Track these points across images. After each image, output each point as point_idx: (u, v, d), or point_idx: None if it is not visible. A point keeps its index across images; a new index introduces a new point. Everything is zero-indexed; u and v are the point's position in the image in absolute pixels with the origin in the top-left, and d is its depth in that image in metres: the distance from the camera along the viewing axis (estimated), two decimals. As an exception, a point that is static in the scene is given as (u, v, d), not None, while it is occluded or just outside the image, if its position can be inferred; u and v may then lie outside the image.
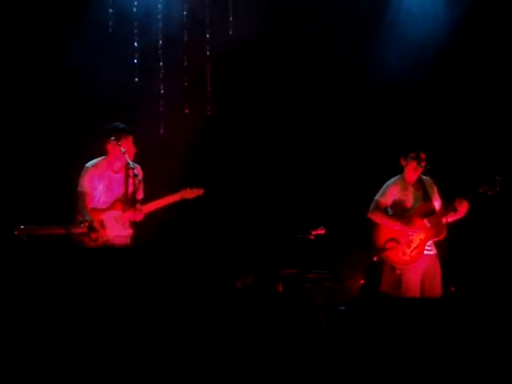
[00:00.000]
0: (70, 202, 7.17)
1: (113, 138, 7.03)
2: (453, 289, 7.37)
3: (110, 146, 7.07)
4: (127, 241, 7.06)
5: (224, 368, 5.39)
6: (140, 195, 7.12)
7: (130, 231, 7.10)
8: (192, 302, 5.94)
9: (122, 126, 7.12)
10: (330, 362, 5.54)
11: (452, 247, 7.48)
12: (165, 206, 7.22)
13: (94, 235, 6.78)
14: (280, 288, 7.55)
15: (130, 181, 6.99)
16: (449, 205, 7.15)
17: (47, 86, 8.42)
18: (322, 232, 7.94)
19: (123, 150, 6.94)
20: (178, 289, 5.88)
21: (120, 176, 7.08)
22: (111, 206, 7.06)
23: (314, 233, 7.94)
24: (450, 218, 7.22)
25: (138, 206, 7.01)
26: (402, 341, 5.44)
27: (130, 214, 7.00)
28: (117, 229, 7.04)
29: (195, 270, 6.21)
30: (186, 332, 5.63)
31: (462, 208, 7.15)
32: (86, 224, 6.76)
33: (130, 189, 7.01)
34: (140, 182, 6.99)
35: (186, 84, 8.90)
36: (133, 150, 7.10)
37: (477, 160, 8.39)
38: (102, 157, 7.16)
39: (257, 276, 7.42)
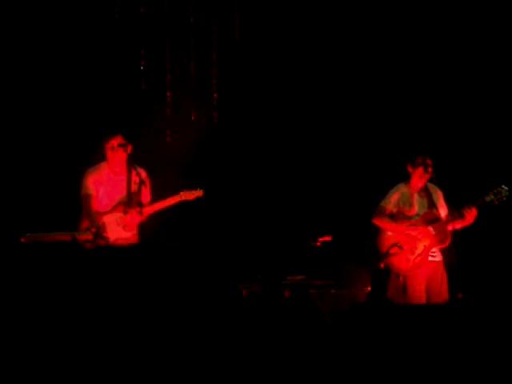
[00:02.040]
0: (75, 208, 7.20)
1: (105, 141, 7.08)
2: (460, 295, 7.35)
3: (106, 150, 7.12)
4: (129, 243, 7.07)
5: (229, 372, 5.39)
6: (146, 198, 7.14)
7: (131, 233, 7.11)
8: (197, 307, 5.93)
9: (112, 127, 7.22)
10: (335, 368, 5.53)
11: (459, 254, 7.46)
12: (166, 207, 7.25)
13: (100, 242, 6.79)
14: (286, 294, 7.54)
15: (132, 181, 7.06)
16: (457, 211, 7.14)
17: (53, 92, 8.43)
18: (329, 239, 7.95)
19: (113, 147, 7.02)
20: (182, 294, 5.88)
21: (122, 178, 7.12)
22: (113, 209, 7.09)
23: (320, 239, 7.95)
24: (457, 225, 7.21)
25: (138, 208, 7.02)
26: (407, 347, 5.42)
27: (130, 216, 7.03)
28: (118, 231, 7.06)
29: (201, 274, 6.21)
30: (190, 337, 5.62)
31: (471, 215, 7.12)
32: (93, 230, 6.79)
33: (132, 190, 7.06)
34: (144, 184, 7.02)
35: (192, 91, 8.90)
36: (121, 147, 7.12)
37: (484, 168, 8.36)
38: (104, 162, 7.20)
39: (263, 282, 7.43)
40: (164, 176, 7.80)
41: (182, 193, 7.27)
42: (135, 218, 7.04)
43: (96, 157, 7.31)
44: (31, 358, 5.19)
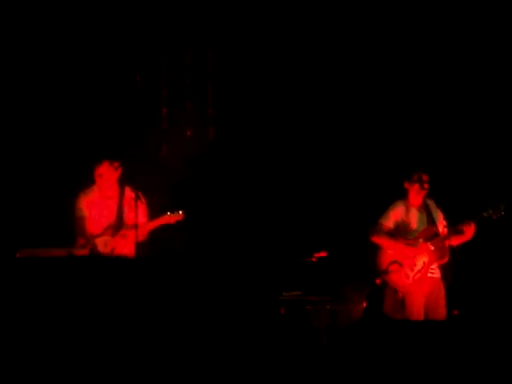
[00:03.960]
0: (69, 224, 7.19)
1: (93, 169, 7.11)
2: (456, 312, 7.35)
3: (95, 177, 7.15)
4: None
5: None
6: (141, 219, 7.11)
7: (127, 251, 7.10)
8: (191, 322, 5.93)
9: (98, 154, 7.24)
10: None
11: (456, 271, 7.46)
12: (151, 229, 7.24)
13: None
14: (282, 310, 7.53)
15: (125, 204, 7.07)
16: (455, 227, 7.17)
17: (49, 110, 8.42)
18: (325, 255, 7.94)
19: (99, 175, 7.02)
20: (177, 309, 5.87)
21: (113, 202, 7.14)
22: (102, 232, 7.09)
23: (316, 255, 7.94)
24: (456, 242, 7.25)
25: (124, 231, 7.04)
26: (404, 363, 5.42)
27: (117, 239, 7.04)
28: (107, 253, 7.06)
29: (195, 289, 6.20)
30: (183, 352, 5.61)
31: (469, 231, 7.16)
32: (89, 247, 6.82)
33: (125, 212, 7.08)
34: (139, 200, 7.01)
35: (188, 107, 8.91)
36: (112, 173, 7.13)
37: (481, 184, 8.38)
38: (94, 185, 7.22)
39: (258, 298, 7.42)
40: (159, 193, 7.80)
41: (163, 216, 7.25)
42: (121, 241, 7.05)
43: (90, 176, 7.30)
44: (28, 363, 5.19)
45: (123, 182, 7.14)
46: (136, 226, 6.86)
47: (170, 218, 7.22)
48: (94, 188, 7.20)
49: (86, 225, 7.08)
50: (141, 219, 7.07)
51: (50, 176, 8.34)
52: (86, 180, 7.27)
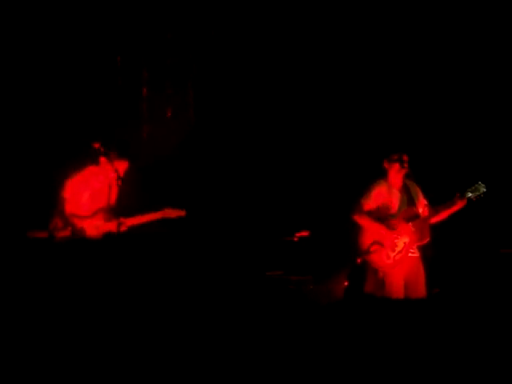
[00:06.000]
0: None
1: (107, 156, 7.06)
2: (436, 290, 7.42)
3: (103, 162, 7.08)
4: None
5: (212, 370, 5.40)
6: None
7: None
8: (177, 303, 5.95)
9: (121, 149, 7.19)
10: (316, 363, 5.56)
11: (436, 250, 7.52)
12: (147, 222, 7.24)
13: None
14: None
15: (114, 191, 7.06)
16: (434, 208, 7.23)
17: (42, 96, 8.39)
18: (306, 234, 7.98)
19: (116, 170, 6.98)
20: (165, 289, 5.89)
21: (104, 186, 7.11)
22: (93, 215, 7.08)
23: (297, 235, 7.98)
24: (433, 220, 7.30)
25: (122, 219, 7.03)
26: (387, 341, 5.47)
27: (111, 224, 7.03)
28: (96, 237, 7.05)
29: (181, 270, 6.23)
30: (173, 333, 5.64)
31: (460, 204, 7.22)
32: (69, 228, 6.81)
33: (113, 198, 7.07)
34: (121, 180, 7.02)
35: (168, 88, 8.90)
36: (124, 168, 7.12)
37: (461, 165, 8.44)
38: (91, 165, 7.16)
39: (241, 277, 7.45)
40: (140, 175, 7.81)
41: (165, 209, 7.26)
42: (115, 227, 7.03)
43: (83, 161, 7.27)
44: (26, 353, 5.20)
45: (112, 163, 7.07)
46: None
47: (171, 212, 7.23)
48: (87, 170, 7.13)
49: (66, 206, 7.01)
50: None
51: (29, 159, 8.31)
52: (72, 162, 7.26)
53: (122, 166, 7.07)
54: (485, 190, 7.22)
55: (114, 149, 7.04)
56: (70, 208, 7.00)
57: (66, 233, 6.84)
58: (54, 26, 8.38)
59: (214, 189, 8.79)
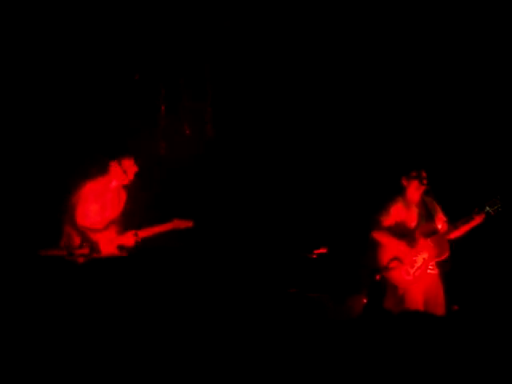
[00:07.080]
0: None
1: (115, 158, 7.07)
2: (456, 307, 7.37)
3: (112, 166, 7.10)
4: None
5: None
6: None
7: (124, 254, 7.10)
8: (193, 317, 5.93)
9: (124, 147, 7.20)
10: (333, 379, 5.52)
11: (456, 267, 7.48)
12: (159, 233, 7.24)
13: (96, 256, 6.80)
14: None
15: (122, 202, 7.07)
16: (453, 224, 7.20)
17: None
18: (324, 251, 7.95)
19: (124, 171, 6.99)
20: (180, 304, 5.88)
21: (114, 195, 7.11)
22: (106, 228, 7.05)
23: (316, 252, 7.94)
24: (452, 236, 7.27)
25: (134, 230, 7.03)
26: (405, 357, 5.42)
27: (126, 237, 7.02)
28: (111, 250, 7.02)
29: (198, 285, 6.21)
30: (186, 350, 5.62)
31: (479, 219, 7.17)
32: (88, 245, 6.79)
33: (121, 207, 7.12)
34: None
35: (186, 104, 8.91)
36: (133, 170, 7.13)
37: (479, 180, 8.39)
38: (103, 175, 7.17)
39: (259, 293, 7.40)
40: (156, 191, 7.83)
41: (174, 220, 7.27)
42: (131, 240, 7.03)
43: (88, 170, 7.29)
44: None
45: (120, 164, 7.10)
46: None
47: (180, 223, 7.23)
48: (99, 179, 7.12)
49: (76, 219, 6.95)
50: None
51: (45, 173, 8.32)
52: (83, 176, 7.25)
53: (132, 167, 7.09)
54: (503, 204, 7.18)
55: (123, 152, 7.11)
56: (81, 221, 6.97)
57: (84, 250, 6.80)
58: (78, 42, 8.42)
59: (232, 205, 8.77)
